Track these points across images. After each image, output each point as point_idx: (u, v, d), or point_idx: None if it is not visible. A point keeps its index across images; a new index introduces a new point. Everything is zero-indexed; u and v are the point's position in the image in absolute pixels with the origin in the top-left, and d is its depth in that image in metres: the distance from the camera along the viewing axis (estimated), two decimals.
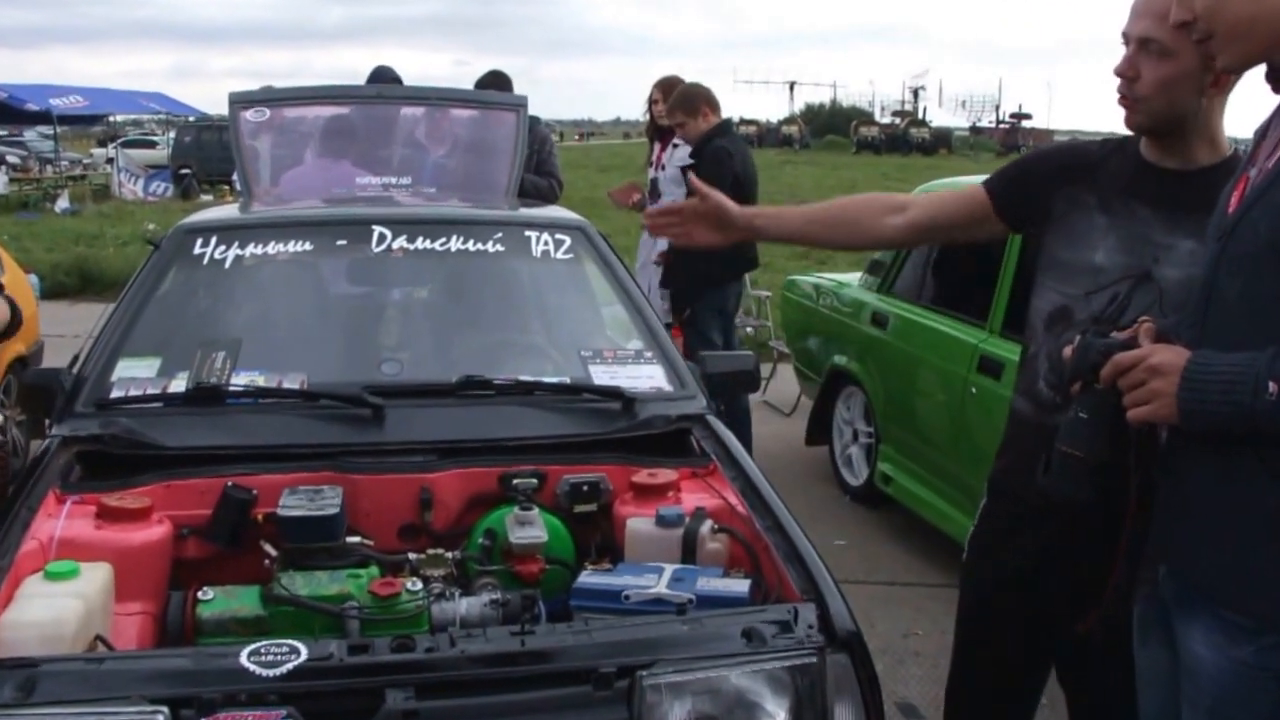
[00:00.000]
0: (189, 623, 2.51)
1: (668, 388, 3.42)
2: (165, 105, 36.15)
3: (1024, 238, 4.63)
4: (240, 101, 4.93)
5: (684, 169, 6.17)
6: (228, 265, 3.67)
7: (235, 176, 4.92)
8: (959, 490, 5.35)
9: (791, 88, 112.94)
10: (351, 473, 2.90)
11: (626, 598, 2.49)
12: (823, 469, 7.06)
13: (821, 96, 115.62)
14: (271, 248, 3.74)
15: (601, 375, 3.40)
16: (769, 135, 78.59)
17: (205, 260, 3.68)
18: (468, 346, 3.69)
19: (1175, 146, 2.46)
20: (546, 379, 3.38)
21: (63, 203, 24.84)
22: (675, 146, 6.73)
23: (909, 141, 73.77)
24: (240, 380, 3.21)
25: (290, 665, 2.07)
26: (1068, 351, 2.20)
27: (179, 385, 3.20)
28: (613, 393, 3.28)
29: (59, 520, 2.63)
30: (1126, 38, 2.39)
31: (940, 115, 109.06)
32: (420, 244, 3.77)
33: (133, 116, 42.38)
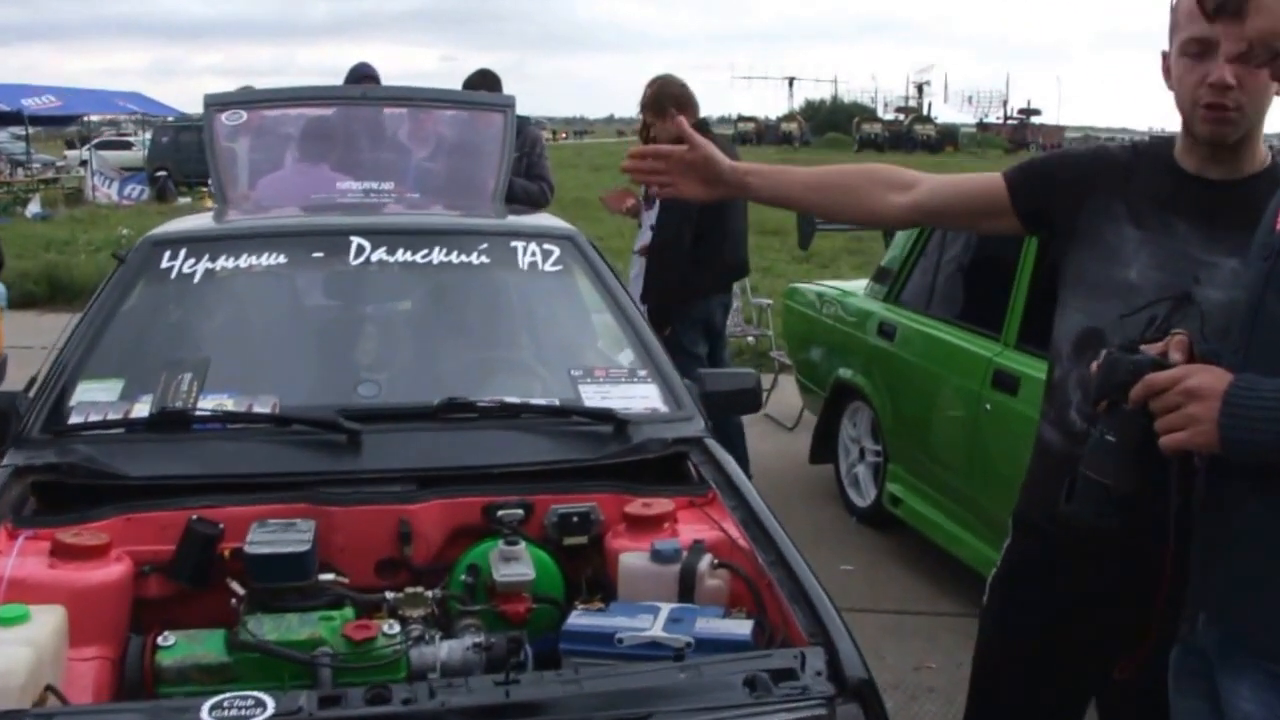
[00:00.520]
0: (149, 670, 2.41)
1: (663, 408, 3.34)
2: (142, 105, 36.04)
3: (1040, 243, 4.56)
4: (215, 104, 4.89)
5: None
6: (197, 280, 3.60)
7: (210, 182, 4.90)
8: (973, 513, 5.26)
9: (791, 83, 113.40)
10: (325, 504, 2.81)
11: (620, 641, 2.40)
12: (828, 488, 6.96)
13: (822, 92, 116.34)
14: (243, 261, 3.66)
15: (592, 395, 3.33)
16: (768, 132, 78.95)
17: (173, 274, 3.61)
18: (450, 366, 3.62)
19: (1228, 155, 2.34)
20: (534, 401, 3.30)
21: (34, 207, 24.70)
22: None
23: (914, 138, 74.11)
24: (208, 404, 3.14)
25: None
26: (1093, 367, 2.08)
27: (142, 410, 3.13)
28: (604, 415, 3.20)
29: (9, 558, 2.54)
30: (1206, 43, 2.23)
31: (946, 111, 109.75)
32: (400, 256, 3.70)
33: (109, 117, 42.22)
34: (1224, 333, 2.15)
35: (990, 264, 5.21)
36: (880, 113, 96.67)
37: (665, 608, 2.50)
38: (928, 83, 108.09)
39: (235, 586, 2.60)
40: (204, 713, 1.99)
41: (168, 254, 3.66)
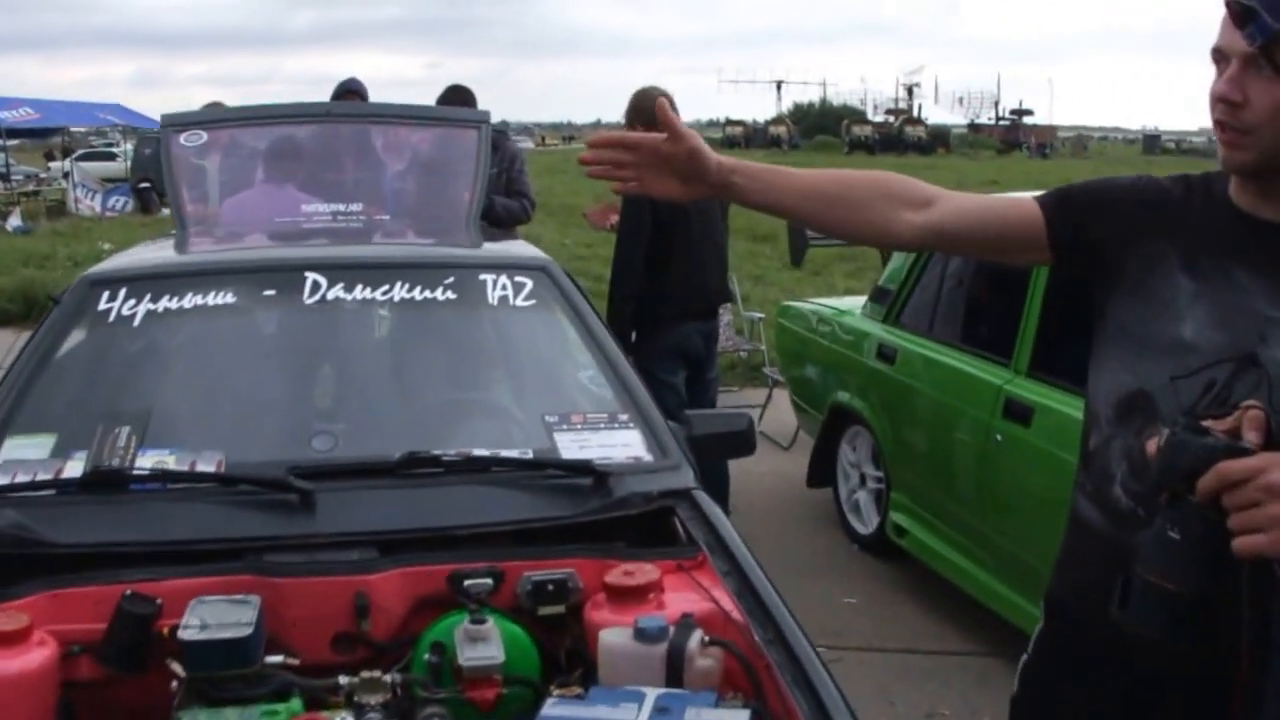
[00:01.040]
0: None
1: (647, 457, 3.10)
2: (122, 117, 35.84)
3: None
4: (174, 125, 4.70)
5: None
6: (137, 323, 3.36)
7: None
8: (983, 548, 5.02)
9: (779, 87, 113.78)
10: (274, 575, 2.57)
11: None
12: (827, 513, 6.70)
13: (810, 95, 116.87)
14: (188, 301, 3.42)
15: (569, 445, 3.09)
16: (756, 136, 79.29)
17: (111, 317, 3.37)
18: (413, 415, 3.38)
19: (1277, 192, 2.01)
20: (505, 452, 3.05)
21: (14, 220, 24.59)
22: None
23: (904, 140, 74.55)
24: (147, 462, 2.90)
25: None
26: (1152, 447, 1.79)
27: (75, 469, 2.89)
28: (582, 467, 2.96)
29: None
30: (1222, 54, 1.94)
31: (936, 113, 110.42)
32: (359, 293, 3.46)
33: (95, 128, 42.07)
34: None
35: (999, 283, 4.97)
36: (870, 115, 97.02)
37: (651, 694, 2.24)
38: (918, 84, 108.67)
39: (175, 668, 2.36)
40: None
41: (106, 294, 3.43)
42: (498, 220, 6.84)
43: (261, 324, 3.65)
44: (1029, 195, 2.22)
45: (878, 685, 4.63)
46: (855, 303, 6.80)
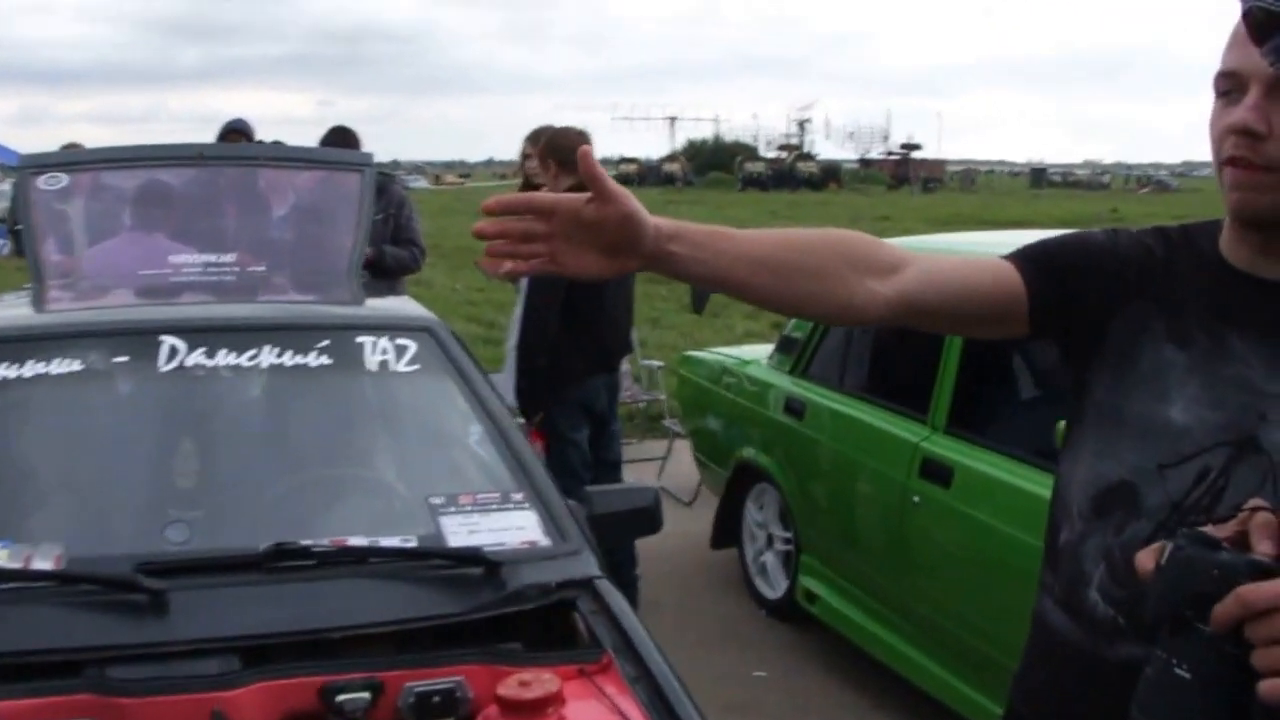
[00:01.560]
0: None
1: (544, 541, 2.81)
2: (2, 156, 34.82)
3: None
4: (32, 166, 4.34)
5: None
6: None
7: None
8: (901, 614, 4.79)
9: (672, 123, 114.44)
10: (117, 694, 2.25)
11: None
12: (733, 575, 6.42)
13: (704, 131, 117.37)
14: (27, 369, 3.06)
15: (457, 530, 2.79)
16: (650, 174, 79.49)
17: None
18: (282, 499, 3.04)
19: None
20: (385, 541, 2.75)
21: None
22: None
23: (797, 177, 75.37)
24: None
25: None
26: (1144, 561, 1.45)
27: None
28: (471, 556, 2.67)
29: None
30: (1236, 78, 1.66)
31: (828, 148, 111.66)
32: (222, 359, 3.13)
33: None
34: None
35: (913, 332, 4.75)
36: (762, 151, 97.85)
37: None
38: (809, 120, 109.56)
39: None
40: None
41: None
42: (387, 271, 6.56)
43: (112, 396, 3.28)
44: (999, 258, 1.89)
45: None
46: (760, 351, 6.58)
